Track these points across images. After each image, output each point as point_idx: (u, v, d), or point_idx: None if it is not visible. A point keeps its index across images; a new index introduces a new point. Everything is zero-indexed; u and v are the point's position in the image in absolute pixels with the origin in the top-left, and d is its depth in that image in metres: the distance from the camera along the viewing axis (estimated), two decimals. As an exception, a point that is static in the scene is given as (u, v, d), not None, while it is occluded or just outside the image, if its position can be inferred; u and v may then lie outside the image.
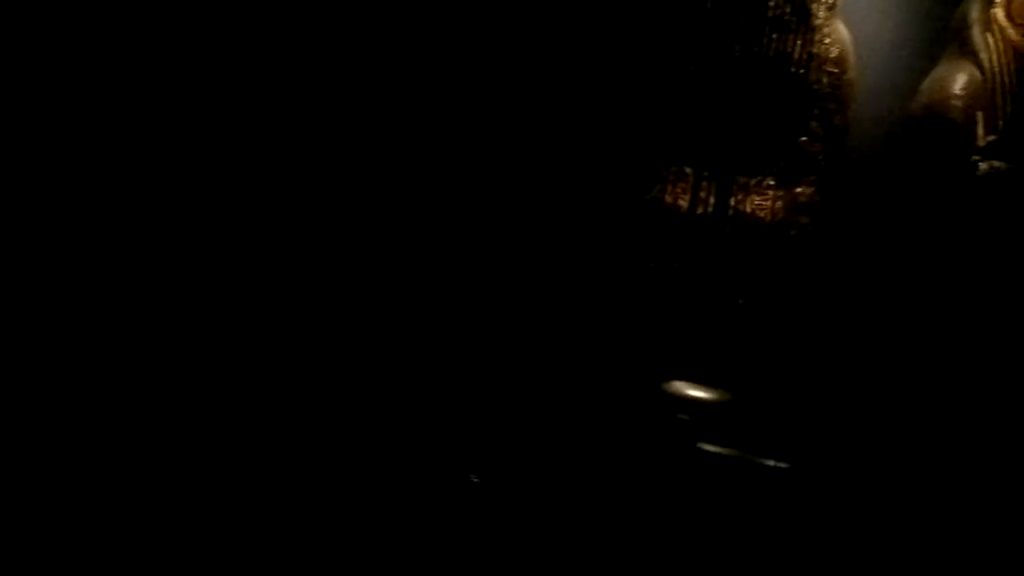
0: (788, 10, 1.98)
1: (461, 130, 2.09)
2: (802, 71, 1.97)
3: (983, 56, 1.94)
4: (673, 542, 1.90)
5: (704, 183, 2.02)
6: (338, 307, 2.12)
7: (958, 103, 1.94)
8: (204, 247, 2.07)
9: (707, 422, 1.99)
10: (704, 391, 2.01)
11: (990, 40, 1.94)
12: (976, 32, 1.96)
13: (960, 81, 1.95)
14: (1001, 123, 1.91)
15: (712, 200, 2.01)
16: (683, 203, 2.02)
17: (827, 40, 1.98)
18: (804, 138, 1.98)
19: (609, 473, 2.00)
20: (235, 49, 2.04)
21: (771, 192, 1.99)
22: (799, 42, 1.98)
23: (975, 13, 1.97)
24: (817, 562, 1.85)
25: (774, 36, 1.98)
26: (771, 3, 1.98)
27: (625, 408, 2.07)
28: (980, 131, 1.92)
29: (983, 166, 1.91)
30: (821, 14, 1.98)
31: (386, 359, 2.11)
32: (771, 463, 1.94)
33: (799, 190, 1.99)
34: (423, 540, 1.90)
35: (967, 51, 1.97)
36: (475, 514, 1.96)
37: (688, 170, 2.03)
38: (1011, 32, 1.94)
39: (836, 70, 1.98)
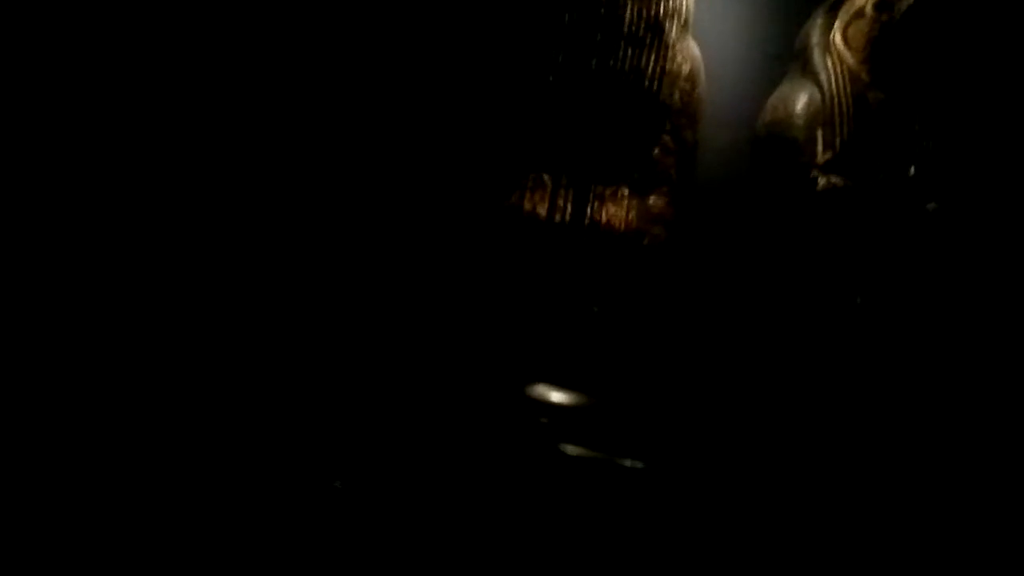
0: (643, 27, 2.04)
1: (319, 134, 2.07)
2: (655, 86, 2.04)
3: (823, 77, 2.04)
4: (534, 543, 1.89)
5: (562, 191, 2.05)
6: (196, 308, 2.07)
7: (799, 121, 2.03)
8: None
9: (567, 425, 2.00)
10: (564, 394, 2.02)
11: (829, 63, 2.05)
12: (817, 54, 2.07)
13: (801, 100, 2.04)
14: (839, 141, 2.01)
15: (569, 208, 2.04)
16: (541, 211, 2.04)
17: (679, 57, 2.05)
18: (657, 151, 2.04)
19: (470, 477, 1.99)
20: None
21: (626, 202, 2.04)
22: (653, 58, 2.04)
23: (816, 36, 2.08)
24: (675, 561, 1.87)
25: (629, 51, 2.04)
26: (627, 19, 2.04)
27: (485, 412, 2.06)
28: (819, 148, 2.01)
29: (822, 181, 1.99)
30: (674, 32, 2.05)
31: (243, 363, 2.06)
32: (628, 463, 1.96)
33: (652, 201, 2.04)
34: (285, 545, 1.85)
35: (808, 72, 2.07)
36: (336, 519, 1.91)
37: (547, 178, 2.06)
38: (848, 56, 2.05)
39: (688, 86, 2.06)
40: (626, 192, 2.03)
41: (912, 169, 1.99)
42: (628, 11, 2.04)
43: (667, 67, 2.04)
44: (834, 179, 1.99)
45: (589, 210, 2.04)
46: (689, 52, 2.07)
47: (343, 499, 1.93)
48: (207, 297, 2.05)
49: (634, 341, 2.04)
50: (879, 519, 1.87)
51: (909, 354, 1.95)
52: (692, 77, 2.06)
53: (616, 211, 2.04)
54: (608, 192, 2.04)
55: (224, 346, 2.06)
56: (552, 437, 1.95)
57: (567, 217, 2.04)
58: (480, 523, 1.91)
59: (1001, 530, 1.86)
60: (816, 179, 2.00)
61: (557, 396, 2.01)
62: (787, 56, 2.16)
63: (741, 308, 2.07)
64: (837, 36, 2.05)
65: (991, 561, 1.86)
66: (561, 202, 2.05)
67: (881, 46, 2.03)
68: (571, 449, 1.95)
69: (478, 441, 2.02)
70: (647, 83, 2.03)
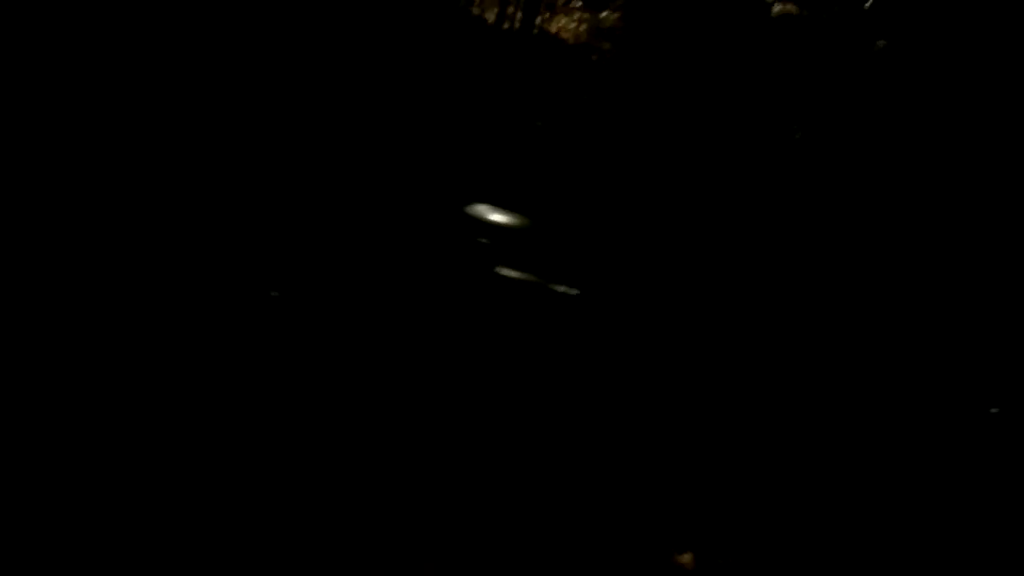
0: None
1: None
2: None
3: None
4: (471, 363, 1.94)
5: (511, 1, 1.99)
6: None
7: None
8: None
9: (506, 246, 2.02)
10: (504, 216, 2.02)
11: None
12: None
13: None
14: (799, -33, 1.96)
15: (519, 16, 1.99)
16: (490, 16, 1.99)
17: None
18: (614, -38, 1.98)
19: (410, 294, 2.01)
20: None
21: (577, 15, 1.99)
22: None
23: None
24: (602, 382, 1.93)
25: None
26: None
27: (427, 230, 2.07)
28: (779, -27, 1.96)
29: (777, 7, 1.95)
30: None
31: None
32: (562, 289, 1.98)
33: (604, 15, 1.99)
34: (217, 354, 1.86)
35: None
36: (278, 331, 1.93)
37: (498, -17, 1.99)
38: None
39: None
40: (578, 5, 1.98)
41: (868, 3, 1.95)
42: None
43: None
44: (789, 6, 1.95)
45: (539, 20, 1.99)
46: None
47: (280, 309, 1.95)
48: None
49: (575, 160, 2.03)
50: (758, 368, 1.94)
51: (839, 188, 1.98)
52: None
53: (566, 23, 1.99)
54: (560, 3, 1.99)
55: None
56: (491, 258, 1.97)
57: (516, 25, 1.99)
58: (416, 339, 1.94)
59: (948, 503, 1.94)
60: (772, 5, 1.96)
61: (497, 216, 2.01)
62: None
63: (685, 131, 2.06)
64: None
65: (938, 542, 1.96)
66: (511, 9, 1.99)
67: None
68: (507, 272, 1.98)
69: (416, 257, 2.03)
70: None
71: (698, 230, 2.03)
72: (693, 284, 2.06)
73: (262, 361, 1.68)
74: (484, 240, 2.04)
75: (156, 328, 1.74)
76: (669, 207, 2.08)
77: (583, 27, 1.98)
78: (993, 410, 1.90)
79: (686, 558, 1.26)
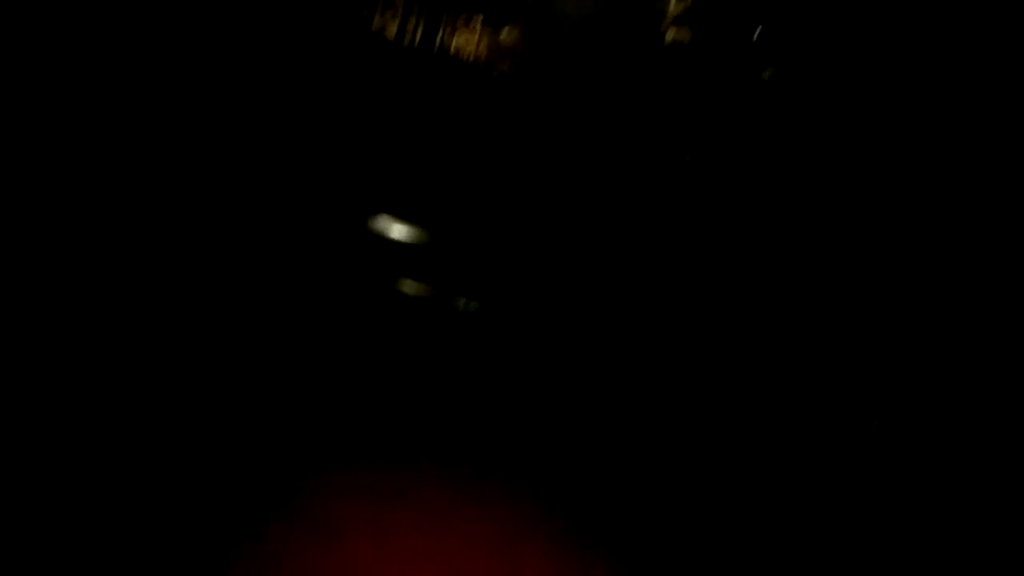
0: None
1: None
2: (519, -86, 1.97)
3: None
4: (371, 374, 1.97)
5: (414, 15, 2.00)
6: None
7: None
8: None
9: (407, 260, 2.05)
10: (405, 229, 2.05)
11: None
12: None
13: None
14: (692, -5, 2.02)
15: (419, 33, 2.00)
16: (391, 32, 2.00)
17: None
18: (514, -18, 2.00)
19: (308, 304, 2.03)
20: None
21: (477, 33, 2.01)
22: None
23: None
24: (501, 393, 1.99)
25: None
26: None
27: (330, 242, 2.08)
28: (672, 1, 2.02)
29: (670, 34, 2.01)
30: None
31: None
32: (462, 303, 2.03)
33: (504, 35, 2.02)
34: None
35: (673, -81, 2.04)
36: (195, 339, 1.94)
37: (399, -2, 2.00)
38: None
39: (552, -82, 2.00)
40: (479, 23, 2.00)
41: (758, 32, 2.03)
42: None
43: None
44: (682, 33, 2.01)
45: (439, 37, 2.01)
46: None
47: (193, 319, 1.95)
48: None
49: (475, 175, 2.07)
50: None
51: (729, 208, 2.07)
52: None
53: (466, 41, 2.01)
54: (460, 21, 2.01)
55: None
56: (391, 272, 2.00)
57: (416, 41, 2.01)
58: (316, 351, 1.97)
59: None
60: (665, 33, 2.01)
61: (399, 228, 2.04)
62: None
63: (580, 149, 2.12)
64: None
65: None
66: (411, 25, 2.00)
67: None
68: (408, 286, 2.01)
69: (317, 269, 2.05)
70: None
71: (590, 243, 2.10)
72: (589, 295, 2.13)
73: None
74: (386, 252, 2.07)
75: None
76: (564, 221, 2.14)
77: (483, 45, 2.00)
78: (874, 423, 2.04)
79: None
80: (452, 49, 2.00)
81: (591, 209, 2.10)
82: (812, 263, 2.14)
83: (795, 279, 2.10)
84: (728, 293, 2.09)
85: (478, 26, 2.01)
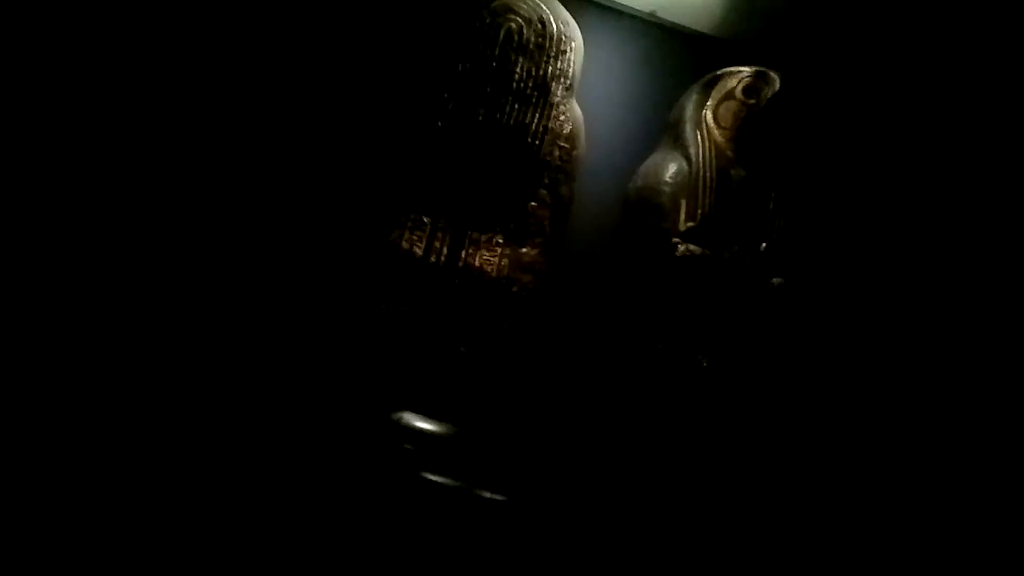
0: (531, 85, 2.15)
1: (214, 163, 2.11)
2: (537, 142, 2.14)
3: (692, 150, 2.19)
4: (398, 569, 1.96)
5: (440, 233, 2.14)
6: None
7: (666, 189, 2.16)
8: None
9: (432, 453, 2.08)
10: (430, 424, 2.09)
11: (698, 137, 2.19)
12: (688, 128, 2.21)
13: (670, 170, 2.18)
14: (700, 212, 2.15)
15: (445, 250, 2.13)
16: (418, 250, 2.12)
17: (562, 117, 2.17)
18: (533, 203, 2.15)
19: (336, 498, 2.04)
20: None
21: (499, 249, 2.14)
22: (537, 115, 2.15)
23: (689, 111, 2.22)
24: None
25: (515, 107, 2.15)
26: (516, 77, 2.15)
27: (354, 438, 2.12)
28: (682, 217, 2.15)
29: (681, 248, 2.13)
30: (559, 93, 2.17)
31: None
32: (488, 495, 2.04)
33: (524, 250, 2.14)
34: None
35: (679, 144, 2.22)
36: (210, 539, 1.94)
37: (426, 219, 2.14)
38: (716, 133, 2.20)
39: (567, 145, 2.17)
40: (500, 240, 2.13)
41: (763, 245, 2.15)
42: (518, 69, 2.15)
43: (550, 125, 2.15)
44: (692, 247, 2.13)
45: (464, 254, 2.13)
46: (572, 113, 2.18)
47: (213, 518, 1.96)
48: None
49: (500, 381, 2.14)
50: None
51: (749, 415, 2.11)
52: (572, 137, 2.18)
53: (489, 257, 2.14)
54: (484, 239, 2.14)
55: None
56: (417, 464, 2.03)
57: (442, 259, 2.13)
58: (343, 544, 1.97)
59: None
60: (676, 245, 2.13)
61: (423, 424, 2.08)
62: (661, 126, 2.29)
63: (600, 357, 2.19)
64: (708, 113, 2.20)
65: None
66: (438, 244, 2.14)
67: (746, 127, 2.19)
68: (434, 477, 2.03)
69: (344, 463, 2.08)
70: (529, 139, 2.14)
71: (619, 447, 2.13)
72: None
73: None
74: (410, 446, 2.10)
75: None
76: (589, 422, 2.19)
77: (505, 261, 2.12)
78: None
79: None
80: (476, 265, 2.12)
81: (612, 416, 2.15)
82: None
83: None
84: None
85: (500, 243, 2.14)
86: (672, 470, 2.12)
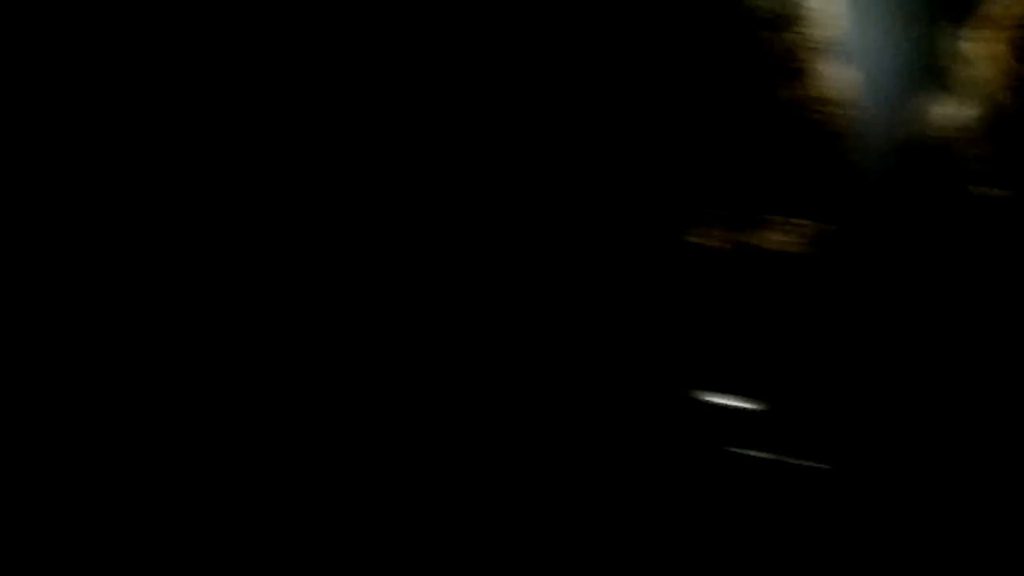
0: (783, 56, 2.20)
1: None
2: (814, 115, 2.21)
3: (974, 93, 2.16)
4: (706, 542, 2.14)
5: (731, 222, 2.29)
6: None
7: (956, 133, 2.17)
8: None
9: (739, 428, 2.24)
10: (735, 400, 2.27)
11: (979, 78, 2.16)
12: (966, 71, 2.18)
13: (956, 114, 2.18)
14: (993, 152, 2.15)
15: (739, 237, 2.28)
16: (717, 242, 2.29)
17: (826, 82, 2.21)
18: (818, 175, 2.24)
19: (646, 476, 2.23)
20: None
21: (789, 228, 2.26)
22: (807, 87, 2.21)
23: (965, 54, 2.18)
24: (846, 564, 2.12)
25: (777, 81, 2.22)
26: (768, 50, 2.20)
27: (657, 412, 2.30)
28: (973, 159, 2.16)
29: (976, 190, 2.15)
30: (813, 59, 2.20)
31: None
32: (808, 464, 2.18)
33: (811, 225, 2.25)
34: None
35: (960, 88, 2.19)
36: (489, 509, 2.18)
37: (716, 210, 2.29)
38: (998, 72, 2.15)
39: (838, 110, 2.22)
40: (789, 220, 2.25)
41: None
42: (769, 42, 2.20)
43: (814, 93, 2.20)
44: (987, 188, 2.14)
45: (756, 238, 2.27)
46: (840, 77, 2.21)
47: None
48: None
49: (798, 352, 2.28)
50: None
51: None
52: (841, 101, 2.22)
53: (779, 238, 2.26)
54: (773, 220, 2.26)
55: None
56: (723, 439, 2.20)
57: (737, 246, 2.28)
58: (653, 521, 2.16)
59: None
60: (970, 188, 2.16)
61: (732, 401, 2.26)
62: (938, 74, 2.26)
63: (899, 315, 2.27)
64: (985, 51, 2.15)
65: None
66: (731, 232, 2.29)
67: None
68: (749, 451, 2.19)
69: (656, 441, 2.28)
70: (803, 112, 2.21)
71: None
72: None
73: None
74: (713, 422, 2.26)
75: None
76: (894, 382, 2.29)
77: (793, 239, 2.25)
78: None
79: None
80: (767, 247, 2.26)
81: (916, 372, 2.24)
82: None
83: None
84: None
85: (788, 223, 2.25)
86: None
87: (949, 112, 2.19)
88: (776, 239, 2.27)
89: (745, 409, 2.27)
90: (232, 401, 2.12)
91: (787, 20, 2.21)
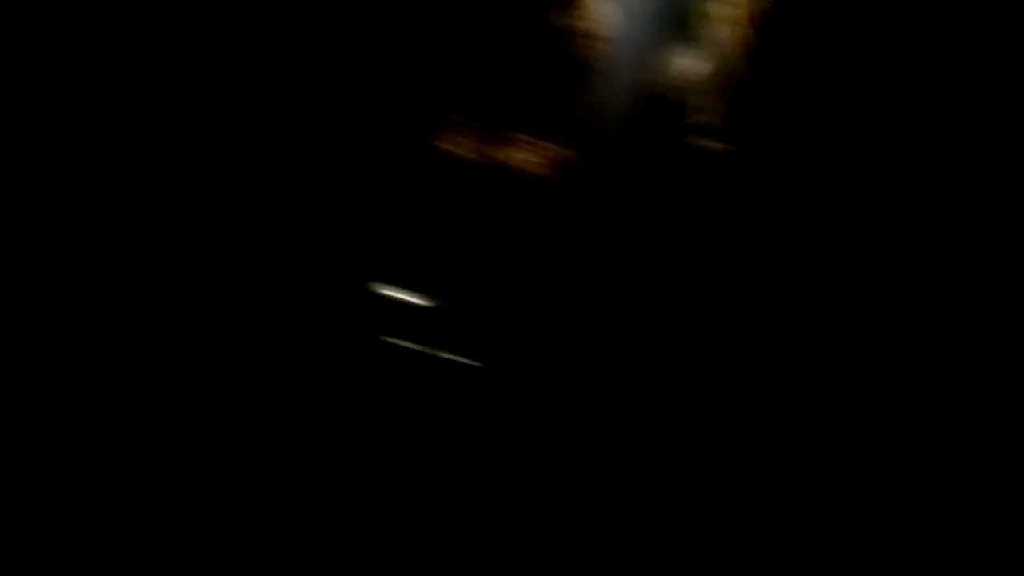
0: (560, -12, 2.26)
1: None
2: (569, 43, 2.28)
3: (714, 47, 2.31)
4: (371, 436, 2.21)
5: (479, 135, 2.32)
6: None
7: (690, 85, 2.30)
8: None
9: (411, 322, 2.27)
10: (408, 294, 2.29)
11: (721, 34, 2.31)
12: (709, 25, 2.32)
13: (693, 66, 2.31)
14: (721, 107, 2.30)
15: (484, 150, 2.32)
16: (460, 150, 2.31)
17: (586, 15, 2.29)
18: (566, 102, 2.31)
19: (314, 366, 2.25)
20: None
21: (533, 147, 2.32)
22: (567, 16, 2.27)
23: (711, 7, 2.33)
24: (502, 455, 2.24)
25: (541, 9, 2.27)
26: (546, -20, 2.25)
27: (331, 304, 2.30)
28: (705, 112, 2.31)
29: (702, 143, 2.30)
30: (588, -5, 2.28)
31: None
32: (466, 361, 2.25)
33: (557, 147, 2.32)
34: None
35: (700, 40, 2.33)
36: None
37: (465, 121, 2.31)
38: (737, 29, 2.31)
39: (596, 44, 2.30)
40: (534, 139, 2.31)
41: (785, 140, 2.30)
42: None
43: (575, 24, 2.28)
44: (712, 142, 2.29)
45: (501, 154, 2.31)
46: (599, 12, 2.30)
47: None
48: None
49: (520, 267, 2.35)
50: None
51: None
52: (601, 36, 2.30)
53: (524, 156, 2.31)
54: (519, 137, 2.31)
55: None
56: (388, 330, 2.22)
57: (481, 157, 2.31)
58: (318, 411, 2.20)
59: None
60: (697, 141, 2.30)
61: (400, 294, 2.27)
62: (686, 23, 2.39)
63: (610, 245, 2.39)
64: (726, 14, 2.30)
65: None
66: (478, 144, 2.32)
67: (769, 22, 2.29)
68: (411, 344, 2.22)
69: (325, 333, 2.27)
70: (562, 40, 2.27)
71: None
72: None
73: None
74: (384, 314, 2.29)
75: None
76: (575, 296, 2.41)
77: (539, 158, 2.30)
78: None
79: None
80: (513, 163, 2.30)
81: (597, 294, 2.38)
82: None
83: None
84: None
85: (533, 141, 2.31)
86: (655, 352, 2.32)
87: (688, 65, 2.33)
88: (519, 156, 2.32)
89: (418, 305, 2.28)
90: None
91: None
